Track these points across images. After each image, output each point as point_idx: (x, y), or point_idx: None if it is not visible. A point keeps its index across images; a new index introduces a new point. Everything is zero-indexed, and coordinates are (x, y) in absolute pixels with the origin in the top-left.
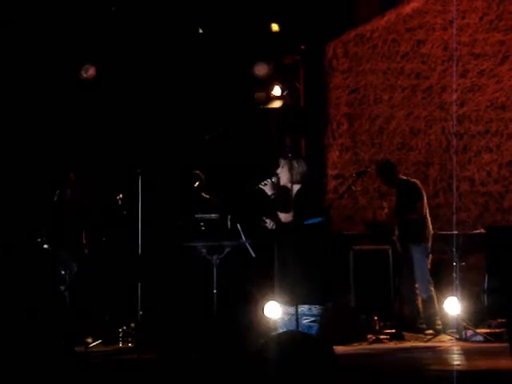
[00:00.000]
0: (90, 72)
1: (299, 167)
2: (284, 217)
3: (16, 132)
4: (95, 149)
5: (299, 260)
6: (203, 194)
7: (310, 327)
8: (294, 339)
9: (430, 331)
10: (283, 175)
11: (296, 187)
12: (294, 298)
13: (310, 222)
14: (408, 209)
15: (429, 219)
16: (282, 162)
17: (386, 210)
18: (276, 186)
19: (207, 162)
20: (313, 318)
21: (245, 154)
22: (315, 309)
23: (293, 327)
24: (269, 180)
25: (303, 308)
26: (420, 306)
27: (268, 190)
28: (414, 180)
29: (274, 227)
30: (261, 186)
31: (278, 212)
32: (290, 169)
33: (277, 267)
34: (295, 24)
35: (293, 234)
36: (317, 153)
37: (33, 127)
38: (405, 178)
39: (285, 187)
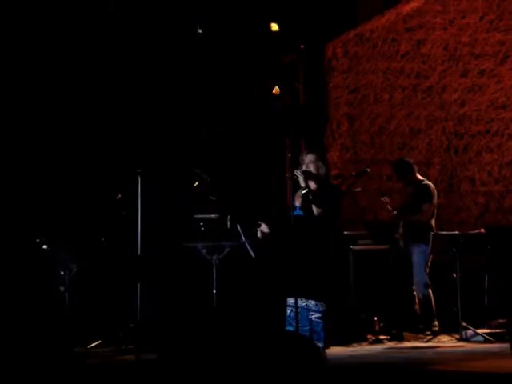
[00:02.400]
0: None
1: (324, 167)
2: (316, 210)
3: (15, 130)
4: (94, 148)
5: (311, 254)
6: (210, 196)
7: (316, 323)
8: (283, 339)
9: (428, 332)
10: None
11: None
12: (300, 292)
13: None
14: (413, 210)
15: (433, 223)
16: (311, 157)
17: (388, 207)
18: (308, 180)
19: (206, 162)
20: (319, 314)
21: (244, 154)
22: (322, 305)
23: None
24: (299, 172)
25: (310, 304)
26: (418, 306)
27: (301, 182)
28: (427, 183)
29: (265, 233)
30: (297, 174)
31: (312, 204)
32: (317, 167)
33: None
34: (295, 24)
35: (304, 229)
36: (319, 153)
37: (32, 126)
38: (421, 178)
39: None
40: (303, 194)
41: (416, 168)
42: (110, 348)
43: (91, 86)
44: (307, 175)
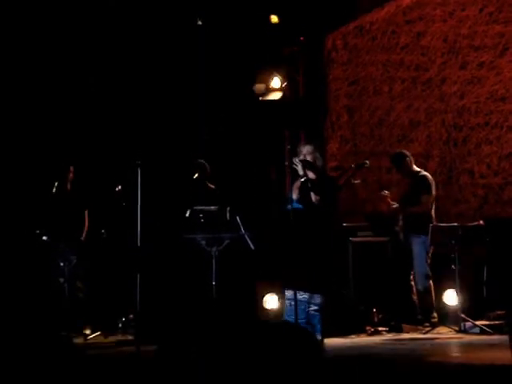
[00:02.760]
0: None
1: (321, 159)
2: (315, 198)
3: (16, 124)
4: (94, 140)
5: (310, 246)
6: (208, 184)
7: (313, 315)
8: (281, 330)
9: (427, 323)
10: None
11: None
12: (298, 285)
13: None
14: (412, 201)
15: (433, 214)
16: (308, 149)
17: (389, 200)
18: (306, 169)
19: (207, 154)
20: (316, 307)
21: (244, 146)
22: (319, 297)
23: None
24: (298, 160)
25: (306, 296)
26: (416, 297)
27: (300, 170)
28: (425, 174)
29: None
30: (295, 163)
31: (311, 192)
32: (314, 158)
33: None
34: (295, 15)
35: (302, 221)
36: (316, 145)
37: (32, 119)
38: (418, 169)
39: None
40: (302, 182)
41: (412, 159)
42: (109, 339)
43: (91, 85)
44: (305, 164)
